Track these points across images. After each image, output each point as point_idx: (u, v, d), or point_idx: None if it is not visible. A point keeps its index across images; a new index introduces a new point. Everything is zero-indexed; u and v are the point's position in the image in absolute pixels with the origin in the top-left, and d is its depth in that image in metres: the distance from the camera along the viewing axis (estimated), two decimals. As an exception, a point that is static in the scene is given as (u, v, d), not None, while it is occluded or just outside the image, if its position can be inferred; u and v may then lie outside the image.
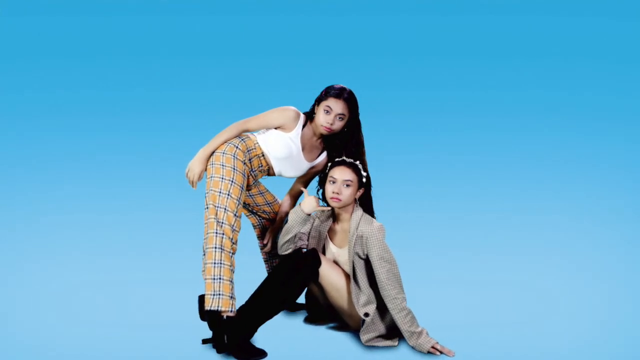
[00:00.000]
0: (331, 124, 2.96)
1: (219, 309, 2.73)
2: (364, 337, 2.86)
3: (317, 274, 2.90)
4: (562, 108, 5.34)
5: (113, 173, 5.01)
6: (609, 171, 4.92)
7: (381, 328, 2.89)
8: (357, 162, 2.95)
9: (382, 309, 2.89)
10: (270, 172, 3.14)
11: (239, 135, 3.03)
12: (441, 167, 5.19)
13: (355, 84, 3.05)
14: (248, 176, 3.02)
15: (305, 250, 3.04)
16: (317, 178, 3.18)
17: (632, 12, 5.35)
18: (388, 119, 5.32)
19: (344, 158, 2.96)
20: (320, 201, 2.99)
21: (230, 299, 2.77)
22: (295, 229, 2.95)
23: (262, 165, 3.07)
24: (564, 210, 4.62)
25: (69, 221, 4.44)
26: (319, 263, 2.89)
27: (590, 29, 5.43)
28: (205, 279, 2.79)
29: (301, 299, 3.21)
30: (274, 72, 5.50)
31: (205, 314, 2.77)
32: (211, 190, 2.86)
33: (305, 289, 3.03)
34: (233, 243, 2.84)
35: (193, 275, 3.32)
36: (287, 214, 3.17)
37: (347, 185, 2.87)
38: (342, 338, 2.97)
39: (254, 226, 3.38)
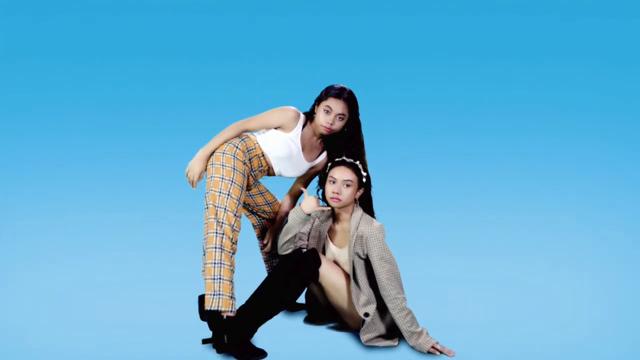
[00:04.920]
0: (331, 124, 2.96)
1: (219, 309, 2.73)
2: (364, 337, 2.86)
3: (317, 274, 2.90)
4: (563, 108, 5.34)
5: (113, 173, 5.01)
6: (610, 171, 4.92)
7: (381, 328, 2.89)
8: (357, 162, 2.95)
9: (382, 309, 2.89)
10: (270, 172, 3.14)
11: (238, 135, 3.03)
12: (441, 166, 5.18)
13: (355, 84, 3.05)
14: (248, 176, 3.02)
15: (305, 250, 3.04)
16: (317, 178, 3.18)
17: (632, 12, 5.35)
18: (388, 119, 5.32)
19: (344, 158, 2.96)
20: (320, 201, 3.00)
21: (230, 299, 2.77)
22: (295, 229, 2.95)
23: (262, 165, 3.07)
24: (564, 210, 4.62)
25: (69, 222, 4.44)
26: (319, 263, 2.90)
27: (590, 29, 5.43)
28: (205, 279, 2.79)
29: (301, 299, 3.21)
30: (274, 72, 5.50)
31: (205, 314, 2.77)
32: (211, 190, 2.86)
33: (305, 289, 3.04)
34: (233, 243, 2.84)
35: (193, 275, 3.32)
36: (287, 214, 3.16)
37: (347, 185, 2.87)
38: (342, 338, 2.97)
39: (254, 226, 3.38)
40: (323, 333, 3.05)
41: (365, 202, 3.01)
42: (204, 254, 2.83)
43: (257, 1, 5.66)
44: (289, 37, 5.57)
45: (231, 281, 2.80)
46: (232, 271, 2.82)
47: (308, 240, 3.09)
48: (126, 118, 5.34)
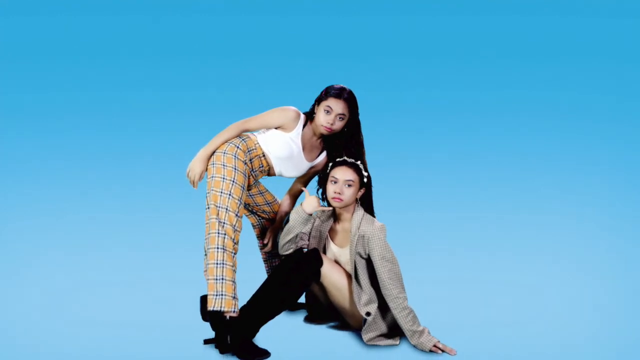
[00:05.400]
0: (331, 124, 2.96)
1: (222, 309, 2.73)
2: (365, 336, 2.86)
3: (318, 273, 2.90)
4: (563, 108, 5.34)
5: (113, 173, 5.01)
6: (610, 171, 4.92)
7: (383, 327, 2.89)
8: (359, 162, 2.95)
9: (384, 308, 2.89)
10: (270, 172, 3.14)
11: (239, 135, 3.03)
12: (441, 166, 5.18)
13: (355, 84, 3.05)
14: (249, 176, 3.02)
15: (306, 250, 3.04)
16: (316, 177, 3.18)
17: (632, 12, 5.35)
18: (388, 119, 5.32)
19: (345, 158, 2.96)
20: (321, 201, 3.00)
21: (233, 300, 2.76)
22: (297, 229, 2.95)
23: (262, 166, 3.07)
24: (564, 210, 4.62)
25: (69, 222, 4.43)
26: (320, 263, 2.90)
27: (590, 29, 5.43)
28: (208, 279, 2.79)
29: (301, 298, 3.20)
30: (274, 72, 5.50)
31: (208, 315, 2.77)
32: (212, 190, 2.86)
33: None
34: (235, 243, 2.83)
35: (195, 275, 3.32)
36: (287, 213, 3.17)
37: (349, 186, 2.87)
38: (344, 337, 2.97)
39: (253, 226, 3.38)
40: (324, 332, 3.05)
41: (366, 202, 3.01)
42: (206, 255, 2.83)
43: (257, 1, 5.66)
44: (289, 37, 5.57)
45: (233, 281, 2.80)
46: (234, 271, 2.82)
47: (309, 240, 3.09)
48: (126, 118, 5.34)
